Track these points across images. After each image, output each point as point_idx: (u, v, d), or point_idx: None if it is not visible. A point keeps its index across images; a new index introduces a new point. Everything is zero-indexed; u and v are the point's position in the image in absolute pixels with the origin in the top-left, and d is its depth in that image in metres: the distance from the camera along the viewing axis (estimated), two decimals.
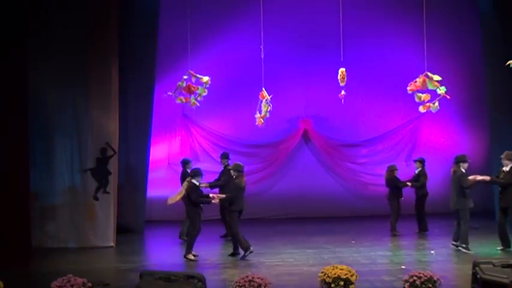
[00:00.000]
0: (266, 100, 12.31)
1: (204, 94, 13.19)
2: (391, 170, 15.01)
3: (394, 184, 14.94)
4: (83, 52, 13.74)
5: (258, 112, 12.46)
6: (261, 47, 12.68)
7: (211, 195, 12.71)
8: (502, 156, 12.80)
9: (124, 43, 15.03)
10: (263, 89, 12.49)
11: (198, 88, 13.12)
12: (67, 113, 13.81)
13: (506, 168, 12.55)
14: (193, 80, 13.12)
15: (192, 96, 13.20)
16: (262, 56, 12.71)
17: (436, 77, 12.26)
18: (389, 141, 18.54)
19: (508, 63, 12.41)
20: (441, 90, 12.24)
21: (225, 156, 14.95)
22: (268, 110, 12.32)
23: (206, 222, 16.01)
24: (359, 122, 18.20)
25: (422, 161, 15.23)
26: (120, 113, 14.53)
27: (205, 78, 13.05)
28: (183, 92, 13.17)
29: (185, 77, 13.12)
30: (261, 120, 12.43)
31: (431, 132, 18.41)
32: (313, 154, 18.50)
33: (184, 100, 13.27)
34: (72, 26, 13.61)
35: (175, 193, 12.55)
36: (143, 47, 15.69)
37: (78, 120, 13.85)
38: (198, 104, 13.32)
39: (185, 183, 12.40)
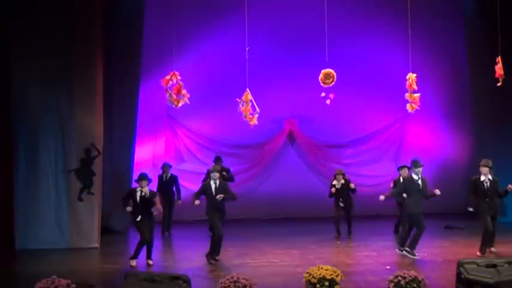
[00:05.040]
0: (245, 101, 12.30)
1: (181, 104, 12.92)
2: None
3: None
4: (68, 52, 13.67)
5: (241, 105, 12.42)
6: (247, 48, 12.66)
7: None
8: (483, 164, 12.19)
9: (109, 44, 14.98)
10: (247, 89, 12.47)
11: (183, 92, 12.98)
12: (51, 114, 13.73)
13: (490, 177, 12.08)
14: (174, 80, 12.89)
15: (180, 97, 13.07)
16: (247, 57, 12.69)
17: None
18: (374, 141, 18.59)
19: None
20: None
21: (215, 159, 14.93)
22: (250, 112, 12.29)
23: (194, 223, 16.06)
24: (344, 123, 18.22)
25: (403, 169, 14.22)
26: (104, 114, 14.48)
27: (184, 92, 12.80)
28: (174, 90, 13.03)
29: (168, 77, 12.89)
30: (249, 115, 12.38)
31: (416, 132, 18.47)
32: (299, 155, 18.52)
33: (176, 103, 13.00)
34: (56, 26, 13.54)
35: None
36: (128, 48, 15.67)
37: (62, 120, 13.78)
38: (183, 103, 13.14)
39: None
